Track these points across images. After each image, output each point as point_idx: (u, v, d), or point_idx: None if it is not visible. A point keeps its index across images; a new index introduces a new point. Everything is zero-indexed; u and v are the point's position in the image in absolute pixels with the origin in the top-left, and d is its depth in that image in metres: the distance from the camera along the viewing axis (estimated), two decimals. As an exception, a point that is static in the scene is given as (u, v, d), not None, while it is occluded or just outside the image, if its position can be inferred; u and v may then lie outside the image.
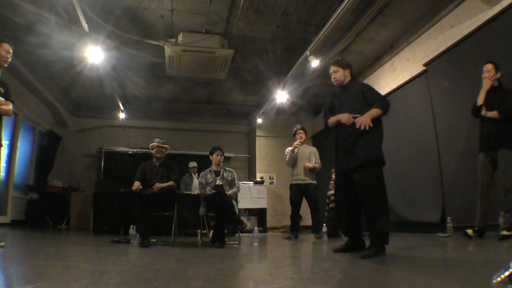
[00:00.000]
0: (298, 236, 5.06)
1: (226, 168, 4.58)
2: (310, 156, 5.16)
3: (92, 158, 8.88)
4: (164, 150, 4.37)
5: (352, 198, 2.81)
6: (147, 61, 6.20)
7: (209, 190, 4.28)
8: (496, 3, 3.98)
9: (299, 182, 5.07)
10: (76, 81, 7.12)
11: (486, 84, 3.46)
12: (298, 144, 5.14)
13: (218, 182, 4.38)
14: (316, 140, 8.95)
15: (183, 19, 5.22)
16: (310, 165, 5.05)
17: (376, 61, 6.46)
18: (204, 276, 1.86)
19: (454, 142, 4.54)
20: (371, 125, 2.61)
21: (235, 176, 4.57)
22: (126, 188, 4.11)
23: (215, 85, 7.73)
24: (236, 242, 4.27)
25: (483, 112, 3.42)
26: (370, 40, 5.80)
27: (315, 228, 5.08)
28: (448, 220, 3.97)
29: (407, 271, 1.95)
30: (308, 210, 5.12)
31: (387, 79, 6.10)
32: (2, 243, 2.98)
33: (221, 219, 4.00)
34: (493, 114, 3.34)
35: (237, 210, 4.44)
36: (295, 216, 5.12)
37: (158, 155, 4.31)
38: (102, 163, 8.54)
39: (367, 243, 2.70)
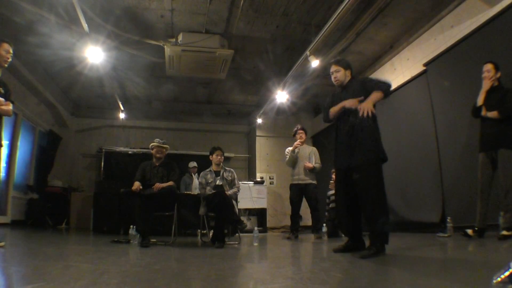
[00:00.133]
0: (298, 236, 5.06)
1: (226, 168, 4.58)
2: (310, 156, 5.16)
3: (92, 158, 8.88)
4: (164, 150, 4.37)
5: (352, 198, 2.81)
6: (147, 61, 6.20)
7: (209, 190, 4.28)
8: (496, 3, 3.98)
9: (299, 182, 5.07)
10: (76, 81, 7.12)
11: (485, 85, 3.46)
12: (299, 144, 5.14)
13: (218, 182, 4.38)
14: (316, 140, 8.95)
15: (183, 19, 5.22)
16: (310, 165, 5.05)
17: (376, 61, 6.46)
18: (204, 276, 1.86)
19: (454, 142, 4.53)
20: (374, 111, 2.62)
21: (235, 176, 4.57)
22: (126, 188, 4.11)
23: (215, 85, 7.73)
24: (236, 242, 4.27)
25: (483, 113, 3.42)
26: (370, 40, 5.80)
27: (315, 228, 5.08)
28: (448, 220, 3.97)
29: (407, 271, 1.95)
30: (308, 210, 5.13)
31: (387, 79, 6.10)
32: (2, 243, 2.97)
33: (221, 219, 4.01)
34: (493, 114, 3.34)
35: (237, 210, 4.44)
36: (295, 216, 5.12)
37: (158, 155, 4.31)
38: (102, 163, 8.54)
39: (367, 243, 2.70)
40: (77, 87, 7.54)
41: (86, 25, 4.54)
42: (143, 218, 3.98)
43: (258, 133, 9.18)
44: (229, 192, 4.29)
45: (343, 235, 5.02)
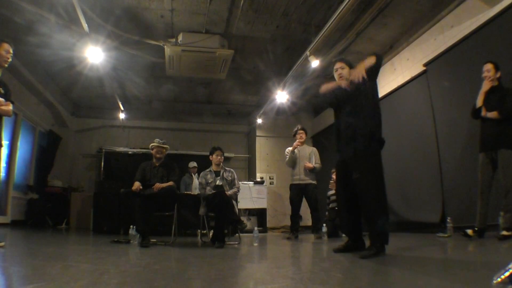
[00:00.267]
0: (298, 236, 5.06)
1: (226, 168, 4.58)
2: (310, 156, 5.16)
3: (92, 158, 8.88)
4: (164, 150, 4.37)
5: (352, 197, 2.81)
6: (147, 61, 6.20)
7: (209, 190, 4.28)
8: (496, 3, 3.98)
9: (299, 182, 5.07)
10: (76, 81, 7.12)
11: (485, 86, 3.45)
12: (298, 144, 5.14)
13: (218, 182, 4.38)
14: (316, 140, 8.96)
15: (183, 19, 5.22)
16: (310, 165, 5.05)
17: (376, 61, 6.46)
18: (204, 276, 1.86)
19: (454, 142, 4.54)
20: (365, 75, 2.64)
21: (235, 176, 4.56)
22: (126, 188, 4.11)
23: (215, 85, 7.73)
24: (236, 242, 4.27)
25: (483, 113, 3.42)
26: (370, 40, 5.80)
27: (315, 228, 5.08)
28: (448, 220, 3.97)
29: (407, 271, 1.95)
30: (308, 210, 5.12)
31: (387, 79, 6.10)
32: (2, 243, 2.97)
33: (221, 219, 4.00)
34: (493, 114, 3.33)
35: (237, 210, 4.44)
36: (295, 216, 5.11)
37: (158, 155, 4.31)
38: (102, 163, 8.54)
39: (367, 243, 2.70)
40: (77, 87, 7.54)
41: (86, 25, 4.54)
42: (143, 218, 3.98)
43: (258, 133, 9.18)
44: (229, 192, 4.29)
45: (343, 235, 5.03)
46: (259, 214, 7.83)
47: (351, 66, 3.01)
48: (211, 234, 4.45)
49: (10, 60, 3.03)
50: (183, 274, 1.95)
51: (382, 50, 6.12)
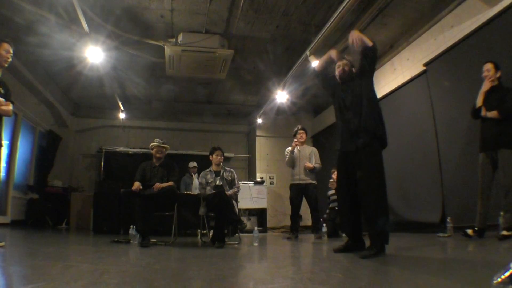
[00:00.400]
0: (298, 236, 5.06)
1: (226, 168, 4.58)
2: (310, 156, 5.16)
3: (92, 158, 8.88)
4: (164, 150, 4.37)
5: (353, 197, 2.81)
6: (147, 61, 6.20)
7: (209, 190, 4.28)
8: (496, 3, 3.98)
9: (299, 182, 5.07)
10: (76, 81, 7.12)
11: (485, 85, 3.45)
12: (296, 144, 5.14)
13: (218, 182, 4.39)
14: (316, 140, 8.96)
15: (183, 19, 5.22)
16: (310, 165, 5.05)
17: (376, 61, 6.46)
18: (204, 276, 1.86)
19: (454, 142, 4.53)
20: (362, 38, 2.81)
21: (235, 176, 4.57)
22: (126, 188, 4.11)
23: (215, 85, 7.72)
24: (236, 242, 4.27)
25: (483, 113, 3.41)
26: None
27: (315, 228, 5.08)
28: (448, 220, 3.97)
29: (407, 271, 1.95)
30: (308, 210, 5.12)
31: (387, 79, 6.11)
32: (2, 243, 2.97)
33: (221, 219, 4.00)
34: (493, 114, 3.33)
35: (237, 210, 4.44)
36: (295, 216, 5.11)
37: (158, 155, 4.31)
38: (102, 163, 8.54)
39: (367, 243, 2.70)
40: (77, 87, 7.54)
41: (86, 25, 4.54)
42: (143, 218, 3.98)
43: (258, 133, 9.18)
44: (229, 192, 4.29)
45: (343, 235, 5.03)
46: (259, 214, 7.83)
47: (352, 65, 3.04)
48: (211, 234, 4.45)
49: (10, 60, 3.03)
50: (183, 274, 1.95)
51: (382, 50, 6.12)
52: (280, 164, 8.16)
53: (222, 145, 5.02)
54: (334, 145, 3.06)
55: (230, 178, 4.48)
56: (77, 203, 7.63)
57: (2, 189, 6.08)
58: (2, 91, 3.00)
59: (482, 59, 3.63)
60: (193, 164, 6.76)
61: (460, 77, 4.48)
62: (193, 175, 6.57)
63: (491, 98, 3.40)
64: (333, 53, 3.09)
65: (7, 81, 3.23)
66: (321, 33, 4.88)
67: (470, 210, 3.75)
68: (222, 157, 4.53)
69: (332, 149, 3.11)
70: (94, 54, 5.18)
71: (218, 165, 4.49)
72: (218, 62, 5.77)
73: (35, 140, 7.50)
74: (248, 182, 7.99)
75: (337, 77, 3.07)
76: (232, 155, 9.40)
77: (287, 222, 7.03)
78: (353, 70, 3.05)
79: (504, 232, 3.10)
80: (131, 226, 4.36)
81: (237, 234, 4.71)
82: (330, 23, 4.61)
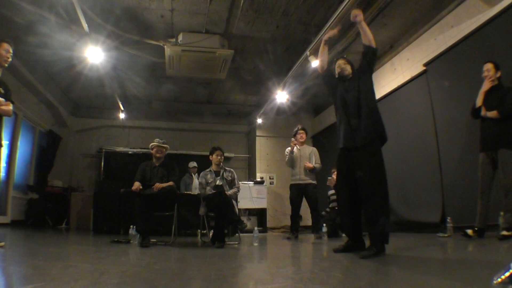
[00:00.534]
0: (298, 236, 5.06)
1: (226, 168, 4.58)
2: (310, 156, 5.16)
3: (92, 158, 8.88)
4: (164, 150, 4.37)
5: (353, 197, 2.81)
6: (147, 61, 6.19)
7: (209, 190, 4.28)
8: (496, 3, 3.98)
9: (299, 182, 5.07)
10: (76, 81, 7.12)
11: (485, 85, 3.46)
12: (295, 143, 5.14)
13: (218, 182, 4.38)
14: (316, 140, 8.96)
15: (183, 19, 5.22)
16: (310, 165, 5.05)
17: (376, 61, 6.46)
18: (204, 276, 1.86)
19: (454, 142, 4.53)
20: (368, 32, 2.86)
21: (235, 176, 4.56)
22: (126, 188, 4.11)
23: (215, 85, 7.72)
24: (236, 242, 4.27)
25: (483, 113, 3.42)
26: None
27: (315, 228, 5.08)
28: (448, 220, 3.97)
29: (407, 271, 1.95)
30: (308, 210, 5.12)
31: (387, 79, 6.11)
32: (2, 243, 2.98)
33: (221, 219, 4.00)
34: (492, 114, 3.33)
35: (237, 210, 4.44)
36: (295, 216, 5.11)
37: (158, 155, 4.31)
38: (102, 163, 8.54)
39: (367, 243, 2.70)
40: (77, 87, 7.54)
41: (86, 25, 4.54)
42: (143, 218, 3.98)
43: (258, 133, 9.18)
44: (229, 192, 4.29)
45: (343, 235, 5.03)
46: (259, 214, 7.83)
47: (352, 65, 3.05)
48: (211, 234, 4.45)
49: (10, 59, 3.03)
50: (183, 274, 1.95)
51: (382, 50, 6.12)
52: (280, 164, 8.16)
53: (222, 145, 5.02)
54: (334, 145, 3.07)
55: (230, 178, 4.48)
56: (77, 203, 7.63)
57: (2, 189, 6.08)
58: (2, 91, 3.00)
59: (482, 59, 3.63)
60: (193, 164, 6.77)
61: (460, 77, 4.48)
62: (193, 175, 6.58)
63: (491, 98, 3.40)
64: (327, 36, 3.14)
65: (7, 81, 3.23)
66: (321, 33, 4.87)
67: (470, 210, 3.75)
68: (222, 157, 4.53)
69: (332, 149, 3.12)
70: (94, 54, 5.18)
71: (218, 165, 4.49)
72: (218, 62, 5.77)
73: (35, 140, 7.51)
74: (248, 182, 7.99)
75: (337, 76, 3.08)
76: (232, 155, 9.40)
77: (287, 222, 7.03)
78: (353, 69, 3.06)
79: (504, 232, 3.10)
80: (131, 226, 4.36)
81: (237, 234, 4.71)
82: (330, 23, 4.61)
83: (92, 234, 5.94)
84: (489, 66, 3.44)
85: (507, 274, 1.20)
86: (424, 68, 5.17)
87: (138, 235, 4.09)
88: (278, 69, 6.65)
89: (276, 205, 8.70)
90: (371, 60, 2.93)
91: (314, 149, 5.34)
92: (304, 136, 5.25)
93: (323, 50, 3.21)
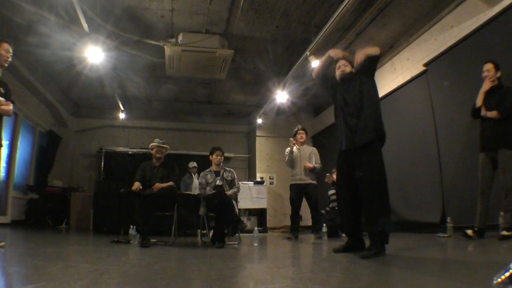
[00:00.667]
0: (298, 236, 5.06)
1: (226, 168, 4.58)
2: (310, 156, 5.16)
3: (92, 158, 8.88)
4: (164, 150, 4.36)
5: (353, 197, 2.81)
6: (147, 61, 6.19)
7: (209, 190, 4.28)
8: (496, 3, 3.98)
9: (299, 182, 5.07)
10: (76, 81, 7.12)
11: (485, 85, 3.46)
12: (294, 143, 5.14)
13: (218, 182, 4.38)
14: (316, 140, 8.96)
15: (183, 19, 5.22)
16: (310, 165, 5.05)
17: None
18: (204, 276, 1.86)
19: (454, 142, 4.53)
20: (367, 53, 2.80)
21: (235, 176, 4.56)
22: (126, 188, 4.11)
23: (215, 85, 7.73)
24: (236, 242, 4.27)
25: (483, 113, 3.42)
26: (370, 40, 5.78)
27: (315, 228, 5.08)
28: (448, 220, 3.97)
29: (407, 271, 1.95)
30: (308, 210, 5.12)
31: (387, 79, 6.11)
32: (2, 243, 2.97)
33: (221, 219, 4.00)
34: (492, 114, 3.33)
35: (237, 210, 4.44)
36: (295, 216, 5.11)
37: (158, 155, 4.31)
38: (102, 163, 8.54)
39: (367, 243, 2.70)
40: (77, 87, 7.54)
41: (86, 25, 4.54)
42: (143, 218, 3.98)
43: (258, 133, 9.18)
44: (229, 192, 4.29)
45: (343, 235, 5.03)
46: (259, 214, 7.83)
47: (352, 65, 3.04)
48: (211, 234, 4.45)
49: (10, 59, 3.03)
50: (183, 274, 1.95)
51: (382, 50, 6.11)
52: (280, 164, 8.16)
53: (222, 145, 5.02)
54: (334, 145, 3.06)
55: (230, 178, 4.48)
56: (77, 203, 7.63)
57: (2, 189, 6.08)
58: (2, 91, 3.00)
59: (482, 59, 3.63)
60: (193, 164, 6.77)
61: (460, 77, 4.48)
62: (193, 175, 6.58)
63: (491, 98, 3.40)
64: (333, 53, 3.08)
65: (7, 81, 3.23)
66: (321, 33, 4.87)
67: (470, 210, 3.75)
68: (222, 157, 4.53)
69: (332, 149, 3.12)
70: (94, 54, 5.18)
71: (218, 165, 4.49)
72: (218, 62, 5.77)
73: (35, 140, 7.50)
74: (248, 182, 7.99)
75: (337, 77, 3.07)
76: (232, 155, 9.40)
77: (287, 222, 7.04)
78: (353, 69, 3.05)
79: (504, 232, 3.10)
80: (131, 226, 4.36)
81: (237, 234, 4.71)
82: (330, 23, 4.61)
83: (92, 234, 5.94)
84: (489, 66, 3.44)
85: (507, 274, 1.20)
86: (424, 68, 5.17)
87: (138, 235, 4.09)
88: (278, 69, 6.65)
89: (276, 205, 8.70)
90: (373, 61, 2.89)
91: (314, 149, 5.35)
92: (304, 136, 5.25)
93: (325, 63, 3.16)
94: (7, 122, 3.66)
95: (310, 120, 9.36)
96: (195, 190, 5.88)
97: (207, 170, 4.52)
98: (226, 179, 4.44)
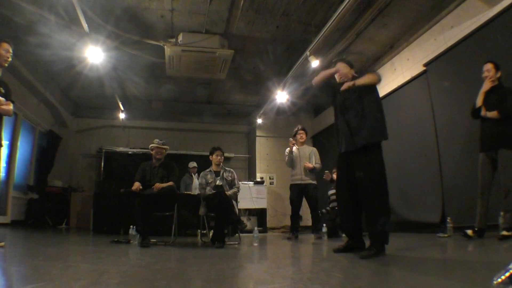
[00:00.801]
0: (298, 236, 5.06)
1: (226, 168, 4.58)
2: (310, 156, 5.16)
3: (92, 158, 8.88)
4: (164, 151, 4.36)
5: (353, 197, 2.81)
6: (147, 61, 6.19)
7: (209, 190, 4.28)
8: (496, 3, 3.98)
9: (299, 182, 5.07)
10: (76, 81, 7.12)
11: (485, 85, 3.46)
12: (293, 143, 5.14)
13: (218, 182, 4.38)
14: (316, 140, 8.96)
15: (183, 19, 5.22)
16: (310, 165, 5.05)
17: (376, 61, 6.46)
18: (204, 276, 1.86)
19: (454, 142, 4.54)
20: (356, 84, 2.71)
21: (235, 176, 4.56)
22: (126, 188, 4.11)
23: (215, 85, 7.73)
24: (236, 242, 4.27)
25: (483, 113, 3.42)
26: (370, 40, 5.80)
27: (315, 228, 5.08)
28: (448, 220, 3.97)
29: (407, 271, 1.95)
30: (308, 210, 5.12)
31: (387, 79, 6.10)
32: (2, 243, 2.97)
33: (221, 219, 4.01)
34: (492, 114, 3.33)
35: (237, 210, 4.44)
36: (295, 216, 5.11)
37: (157, 156, 4.31)
38: (102, 163, 8.54)
39: (367, 243, 2.70)
40: (77, 87, 7.53)
41: (86, 25, 4.54)
42: (143, 218, 3.98)
43: (258, 133, 9.18)
44: (229, 192, 4.29)
45: (343, 235, 5.03)
46: (259, 214, 7.82)
47: (352, 66, 3.03)
48: (211, 234, 4.45)
49: (10, 59, 3.03)
50: (183, 274, 1.95)
51: (382, 50, 6.12)
52: (280, 164, 8.16)
53: (222, 145, 5.02)
54: (334, 145, 3.05)
55: (230, 178, 4.48)
56: (77, 203, 7.63)
57: (2, 189, 6.08)
58: (3, 91, 3.00)
59: (482, 59, 3.63)
60: (193, 164, 6.77)
61: (460, 77, 4.48)
62: (193, 175, 6.58)
63: (491, 98, 3.40)
64: (336, 71, 3.02)
65: (7, 81, 3.23)
66: (321, 33, 4.87)
67: (470, 210, 3.75)
68: (222, 157, 4.53)
69: (332, 149, 3.11)
70: (94, 54, 5.18)
71: (218, 165, 4.49)
72: (218, 62, 5.77)
73: (35, 140, 7.50)
74: (248, 182, 7.99)
75: (338, 80, 3.06)
76: (232, 155, 9.40)
77: (287, 222, 7.03)
78: (352, 71, 3.03)
79: (504, 232, 3.10)
80: (131, 226, 4.37)
81: (237, 234, 4.71)
82: (330, 23, 4.61)
83: (92, 234, 5.94)
84: (489, 66, 3.44)
85: (507, 274, 1.20)
86: (424, 68, 5.17)
87: (138, 235, 4.09)
88: (278, 69, 6.65)
89: (276, 205, 8.70)
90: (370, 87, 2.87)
91: (314, 149, 5.34)
92: (304, 136, 5.25)
93: (326, 76, 3.08)
94: (7, 122, 3.67)
95: (310, 120, 9.36)
96: (195, 190, 5.88)
97: (207, 170, 4.52)
98: (226, 179, 4.44)
